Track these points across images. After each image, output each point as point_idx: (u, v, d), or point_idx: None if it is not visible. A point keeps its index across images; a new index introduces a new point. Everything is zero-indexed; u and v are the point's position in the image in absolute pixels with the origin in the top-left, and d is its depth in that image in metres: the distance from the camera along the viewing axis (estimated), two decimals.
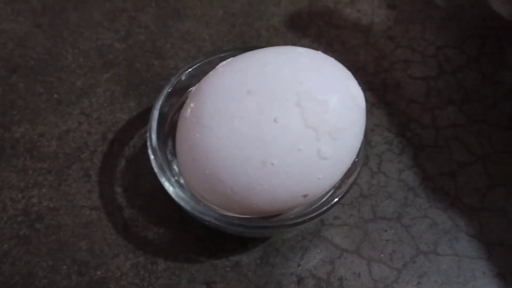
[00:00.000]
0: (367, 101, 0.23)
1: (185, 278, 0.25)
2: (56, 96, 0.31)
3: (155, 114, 0.25)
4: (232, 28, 0.35)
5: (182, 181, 0.25)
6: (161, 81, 0.32)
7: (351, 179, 0.24)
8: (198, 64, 0.27)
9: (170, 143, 0.26)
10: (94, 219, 0.26)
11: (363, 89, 0.23)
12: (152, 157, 0.24)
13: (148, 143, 0.24)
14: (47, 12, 0.35)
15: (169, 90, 0.26)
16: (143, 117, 0.30)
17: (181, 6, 0.36)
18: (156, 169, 0.24)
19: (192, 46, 0.34)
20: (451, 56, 0.34)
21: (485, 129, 0.31)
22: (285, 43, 0.35)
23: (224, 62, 0.23)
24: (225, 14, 0.36)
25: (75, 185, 0.27)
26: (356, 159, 0.24)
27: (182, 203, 0.23)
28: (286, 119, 0.20)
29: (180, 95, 0.27)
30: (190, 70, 0.27)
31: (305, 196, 0.22)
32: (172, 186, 0.23)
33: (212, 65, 0.24)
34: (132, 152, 0.29)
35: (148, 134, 0.24)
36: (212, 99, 0.21)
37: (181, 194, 0.23)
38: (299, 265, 0.26)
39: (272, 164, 0.20)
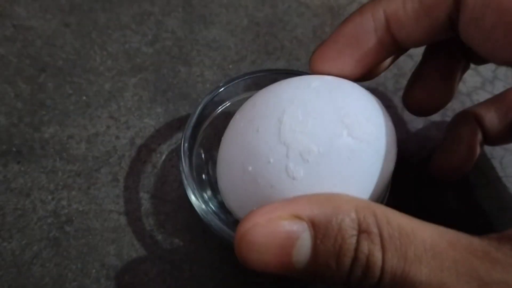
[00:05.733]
0: None
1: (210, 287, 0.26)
2: (84, 98, 0.31)
3: (191, 122, 0.26)
4: (256, 38, 0.36)
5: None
6: (187, 88, 0.32)
7: None
8: (226, 86, 0.27)
9: (203, 156, 0.27)
10: (122, 224, 0.27)
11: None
12: (183, 171, 0.25)
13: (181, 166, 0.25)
14: (75, 11, 0.35)
15: (203, 106, 0.27)
16: (170, 124, 0.31)
17: (207, 12, 0.36)
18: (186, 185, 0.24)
19: (217, 54, 0.34)
20: (467, 78, 0.35)
21: (498, 151, 0.32)
22: (307, 55, 0.35)
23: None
24: (250, 23, 0.36)
25: (104, 189, 0.28)
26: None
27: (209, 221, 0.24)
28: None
29: (214, 107, 0.27)
30: (221, 90, 0.27)
31: None
32: (198, 200, 0.24)
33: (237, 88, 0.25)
34: (159, 158, 0.29)
35: (181, 147, 0.25)
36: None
37: (205, 208, 0.24)
38: None
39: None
